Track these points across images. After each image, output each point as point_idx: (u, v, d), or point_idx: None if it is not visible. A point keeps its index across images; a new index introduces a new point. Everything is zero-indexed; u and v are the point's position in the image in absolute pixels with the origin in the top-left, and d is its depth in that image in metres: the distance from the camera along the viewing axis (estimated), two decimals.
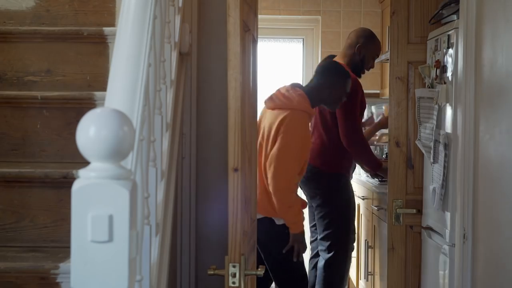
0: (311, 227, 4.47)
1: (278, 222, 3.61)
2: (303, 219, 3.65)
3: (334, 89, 3.80)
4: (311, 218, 4.42)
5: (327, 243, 4.09)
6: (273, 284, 3.94)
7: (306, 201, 4.08)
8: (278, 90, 3.74)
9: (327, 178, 4.22)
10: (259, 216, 3.61)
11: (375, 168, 4.32)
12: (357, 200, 4.81)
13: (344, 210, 4.12)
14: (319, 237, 4.27)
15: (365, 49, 4.26)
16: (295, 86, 3.77)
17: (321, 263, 4.15)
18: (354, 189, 4.49)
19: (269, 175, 3.54)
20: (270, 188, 3.54)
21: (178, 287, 2.94)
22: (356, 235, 4.88)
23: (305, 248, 3.69)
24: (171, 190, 2.21)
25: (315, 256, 4.45)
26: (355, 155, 4.21)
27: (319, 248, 4.29)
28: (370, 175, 4.65)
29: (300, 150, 3.60)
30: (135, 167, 1.51)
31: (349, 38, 4.34)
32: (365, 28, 4.44)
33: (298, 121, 3.61)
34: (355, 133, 4.14)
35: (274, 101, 3.67)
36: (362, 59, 4.28)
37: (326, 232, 4.13)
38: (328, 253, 4.10)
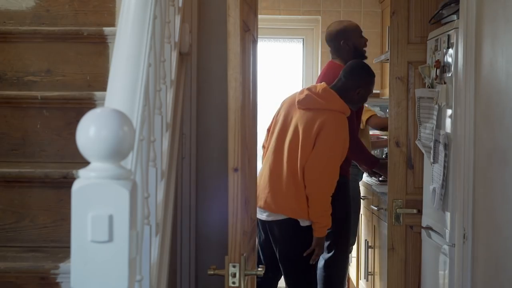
0: None
1: (303, 224, 3.62)
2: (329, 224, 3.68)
3: (362, 88, 3.81)
4: None
5: (327, 243, 4.09)
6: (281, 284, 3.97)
7: None
8: (309, 90, 3.72)
9: None
10: (281, 216, 3.63)
11: (371, 165, 4.29)
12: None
13: (343, 210, 4.13)
14: None
15: (349, 41, 4.14)
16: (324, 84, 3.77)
17: (321, 263, 4.16)
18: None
19: (311, 178, 3.56)
20: (311, 191, 3.56)
21: (178, 287, 2.94)
22: (356, 237, 4.88)
23: (322, 252, 3.74)
24: (171, 190, 2.21)
25: None
26: (349, 155, 4.20)
27: None
28: (368, 173, 4.65)
29: (342, 154, 3.64)
30: (135, 167, 1.51)
31: (329, 36, 4.18)
32: (337, 24, 4.27)
33: (339, 124, 3.63)
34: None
35: (309, 102, 3.65)
36: (352, 49, 4.14)
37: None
38: (328, 252, 4.10)
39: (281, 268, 3.76)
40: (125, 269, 1.22)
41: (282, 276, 3.88)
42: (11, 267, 2.01)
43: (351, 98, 3.78)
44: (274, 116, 3.88)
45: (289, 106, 3.76)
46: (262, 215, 3.70)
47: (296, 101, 3.70)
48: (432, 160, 3.17)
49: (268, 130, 3.93)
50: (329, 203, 3.60)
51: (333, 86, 3.79)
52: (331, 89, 3.73)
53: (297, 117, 3.67)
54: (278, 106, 3.89)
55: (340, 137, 3.62)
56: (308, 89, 3.73)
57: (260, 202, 3.65)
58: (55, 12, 2.85)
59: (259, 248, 3.95)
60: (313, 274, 3.77)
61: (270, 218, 3.67)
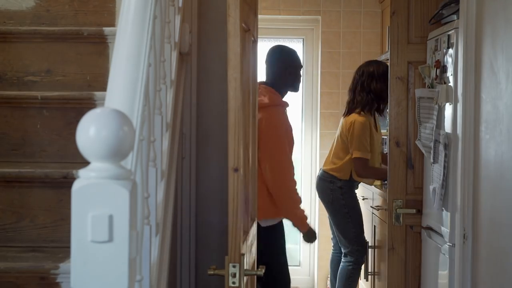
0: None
1: (264, 224, 3.59)
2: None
3: (290, 69, 3.78)
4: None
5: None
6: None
7: None
8: None
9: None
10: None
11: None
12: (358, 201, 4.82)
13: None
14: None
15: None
16: (260, 83, 3.73)
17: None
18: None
19: (271, 178, 3.57)
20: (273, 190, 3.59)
21: (178, 287, 2.94)
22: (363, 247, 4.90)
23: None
24: (171, 190, 2.21)
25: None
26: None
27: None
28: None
29: (289, 144, 3.67)
30: (135, 167, 1.51)
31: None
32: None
33: (274, 118, 3.63)
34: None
35: None
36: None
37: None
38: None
39: None
40: (125, 269, 1.22)
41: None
42: (11, 267, 2.01)
43: (286, 82, 3.76)
44: None
45: None
46: None
47: None
48: (432, 160, 3.17)
49: None
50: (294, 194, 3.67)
51: (265, 81, 3.78)
52: (264, 84, 3.72)
53: None
54: None
55: (280, 129, 3.62)
56: None
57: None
58: (55, 12, 2.85)
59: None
60: (287, 276, 3.79)
61: None
